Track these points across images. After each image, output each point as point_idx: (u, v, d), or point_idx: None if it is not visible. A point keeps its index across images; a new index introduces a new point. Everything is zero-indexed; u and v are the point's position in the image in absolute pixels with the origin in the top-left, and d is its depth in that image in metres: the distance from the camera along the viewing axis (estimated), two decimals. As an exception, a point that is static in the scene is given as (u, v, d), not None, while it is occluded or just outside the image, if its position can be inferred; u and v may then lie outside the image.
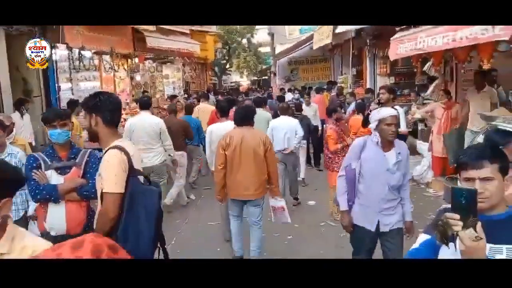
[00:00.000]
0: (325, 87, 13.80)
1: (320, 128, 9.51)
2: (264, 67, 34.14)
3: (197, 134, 7.44)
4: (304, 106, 9.35)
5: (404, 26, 6.55)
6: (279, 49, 20.09)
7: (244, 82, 40.53)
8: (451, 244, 1.51)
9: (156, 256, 2.50)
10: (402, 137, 5.67)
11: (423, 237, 1.81)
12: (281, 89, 17.06)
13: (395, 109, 5.76)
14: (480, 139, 5.85)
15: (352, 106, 9.12)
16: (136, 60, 12.01)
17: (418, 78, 9.98)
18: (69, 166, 3.11)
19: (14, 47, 7.77)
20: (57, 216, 3.02)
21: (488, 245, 1.52)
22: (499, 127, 6.01)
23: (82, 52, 9.31)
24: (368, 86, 11.32)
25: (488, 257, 1.55)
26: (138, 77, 13.23)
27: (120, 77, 11.42)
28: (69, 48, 8.92)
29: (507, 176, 1.72)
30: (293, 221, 6.05)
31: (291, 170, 6.71)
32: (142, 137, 5.66)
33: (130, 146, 2.54)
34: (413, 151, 7.40)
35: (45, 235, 2.93)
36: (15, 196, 1.75)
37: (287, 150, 6.50)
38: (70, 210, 3.03)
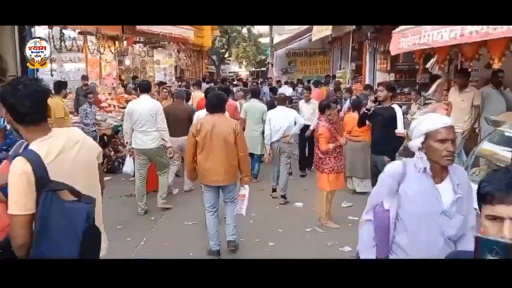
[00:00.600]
0: (323, 80, 13.26)
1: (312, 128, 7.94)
2: (263, 57, 33.51)
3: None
4: (301, 103, 8.34)
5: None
6: (277, 39, 19.54)
7: (243, 72, 39.97)
8: None
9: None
10: (399, 139, 5.18)
11: None
12: (278, 81, 16.50)
13: (393, 108, 5.31)
14: (486, 144, 5.39)
15: (348, 102, 8.63)
16: (125, 43, 11.41)
17: (420, 76, 9.46)
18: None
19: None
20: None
21: None
22: (506, 133, 5.57)
23: (64, 31, 8.70)
24: (367, 82, 10.83)
25: None
26: (127, 61, 12.67)
27: (106, 60, 10.83)
28: (50, 27, 8.33)
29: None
30: (278, 224, 5.63)
31: (285, 161, 6.65)
32: (141, 120, 5.70)
33: (56, 145, 1.98)
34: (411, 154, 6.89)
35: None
36: None
37: (287, 137, 6.54)
38: None
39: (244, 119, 7.40)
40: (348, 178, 6.90)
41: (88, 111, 8.43)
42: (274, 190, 6.88)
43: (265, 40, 32.59)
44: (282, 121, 6.57)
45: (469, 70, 6.74)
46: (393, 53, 6.69)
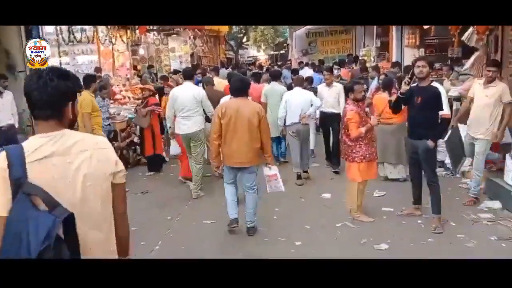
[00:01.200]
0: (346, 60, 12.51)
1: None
2: (281, 40, 32.65)
3: None
4: (321, 87, 7.18)
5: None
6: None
7: (262, 56, 39.23)
8: None
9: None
10: (444, 122, 4.57)
11: None
12: (300, 63, 15.63)
13: (435, 86, 4.69)
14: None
15: (375, 82, 7.99)
16: (137, 32, 10.98)
17: (455, 50, 8.69)
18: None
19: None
20: None
21: None
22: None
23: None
24: (394, 59, 10.10)
25: None
26: (141, 51, 12.27)
27: (118, 50, 10.44)
28: (57, 18, 7.96)
29: None
30: (304, 220, 5.13)
31: (304, 142, 6.55)
32: (185, 105, 5.90)
33: (51, 145, 1.68)
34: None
35: None
36: None
37: (304, 118, 6.34)
38: None
39: (265, 103, 7.04)
40: (379, 164, 6.29)
41: (101, 104, 8.08)
42: (299, 177, 6.53)
43: (283, 22, 31.63)
44: (298, 103, 6.41)
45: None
46: (426, 25, 6.01)
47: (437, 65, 9.40)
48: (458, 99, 6.96)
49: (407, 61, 9.90)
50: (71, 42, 8.60)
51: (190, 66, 14.35)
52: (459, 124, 5.58)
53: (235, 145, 4.52)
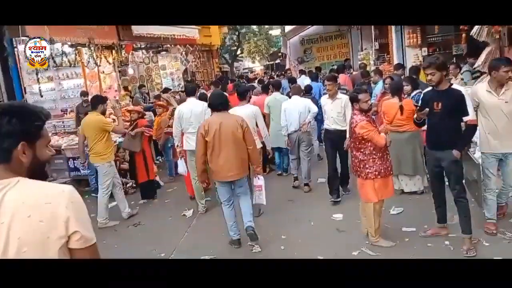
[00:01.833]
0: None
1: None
2: (275, 49, 32.26)
3: None
4: (324, 100, 6.09)
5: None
6: (289, 26, 18.23)
7: (257, 67, 38.90)
8: None
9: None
10: (469, 128, 4.00)
11: None
12: (300, 71, 14.92)
13: (457, 89, 4.12)
14: None
15: (380, 86, 7.43)
16: (123, 51, 10.46)
17: (460, 47, 8.15)
18: None
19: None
20: None
21: None
22: None
23: (53, 45, 7.80)
24: (396, 61, 9.56)
25: None
26: (130, 71, 11.74)
27: (103, 72, 9.91)
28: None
29: None
30: (316, 248, 4.53)
31: (305, 149, 6.44)
32: (191, 122, 5.86)
33: None
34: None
35: None
36: None
37: (304, 126, 6.31)
38: None
39: (268, 113, 6.99)
40: (393, 176, 5.70)
41: (88, 130, 7.55)
42: (295, 179, 6.75)
43: (275, 32, 31.39)
44: (297, 110, 6.37)
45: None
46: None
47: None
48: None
49: (409, 62, 9.39)
50: (54, 67, 8.06)
51: (183, 83, 13.91)
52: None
53: (223, 159, 4.52)
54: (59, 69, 9.46)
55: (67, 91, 10.01)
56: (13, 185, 1.39)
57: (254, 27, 32.90)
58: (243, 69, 38.85)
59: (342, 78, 9.03)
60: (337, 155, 5.88)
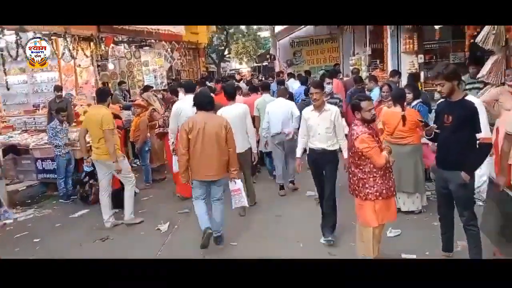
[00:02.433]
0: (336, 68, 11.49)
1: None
2: (263, 51, 31.74)
3: None
4: (307, 112, 4.72)
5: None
6: (279, 27, 17.71)
7: (244, 69, 38.38)
8: None
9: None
10: (484, 147, 3.50)
11: None
12: (289, 74, 14.27)
13: (470, 101, 3.64)
14: None
15: (376, 93, 6.96)
16: (103, 45, 9.77)
17: (466, 54, 7.73)
18: None
19: None
20: None
21: None
22: None
23: (22, 34, 7.12)
24: (390, 67, 9.12)
25: None
26: (111, 66, 11.05)
27: (79, 65, 9.21)
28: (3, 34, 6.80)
29: None
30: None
31: (289, 154, 6.31)
32: None
33: None
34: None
35: None
36: None
37: (289, 135, 6.19)
38: None
39: (258, 116, 6.78)
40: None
41: (58, 129, 6.92)
42: (281, 187, 6.56)
43: (264, 34, 30.92)
44: (280, 112, 6.33)
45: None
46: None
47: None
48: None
49: (404, 69, 8.94)
50: (17, 58, 7.37)
51: (166, 81, 13.26)
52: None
53: (204, 158, 4.51)
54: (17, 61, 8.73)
55: (40, 85, 9.31)
56: None
57: (243, 27, 32.38)
58: (230, 70, 38.30)
59: (335, 84, 8.49)
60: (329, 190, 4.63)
